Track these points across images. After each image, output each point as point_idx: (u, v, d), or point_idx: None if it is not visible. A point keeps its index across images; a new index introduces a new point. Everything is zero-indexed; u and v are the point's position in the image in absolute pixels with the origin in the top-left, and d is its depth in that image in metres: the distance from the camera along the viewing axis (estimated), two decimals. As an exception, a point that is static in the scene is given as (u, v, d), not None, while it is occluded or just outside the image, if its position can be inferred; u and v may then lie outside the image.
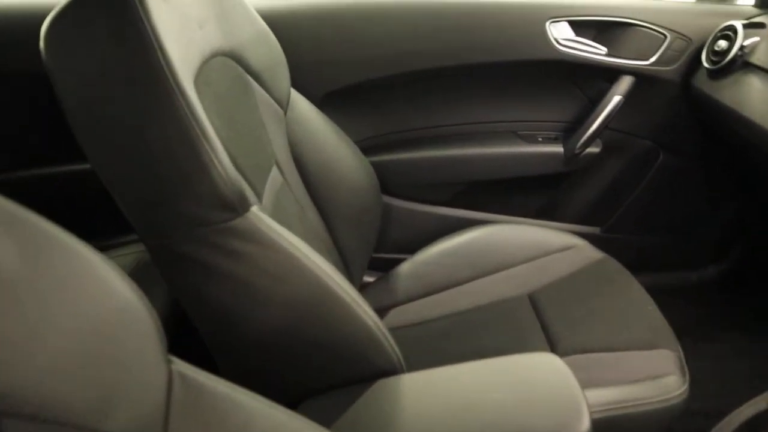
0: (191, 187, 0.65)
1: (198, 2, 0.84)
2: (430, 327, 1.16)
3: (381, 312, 1.20)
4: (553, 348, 1.04)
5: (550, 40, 1.31)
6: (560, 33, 1.32)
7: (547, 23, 1.31)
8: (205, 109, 0.70)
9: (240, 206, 0.68)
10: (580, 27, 1.34)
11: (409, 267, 1.26)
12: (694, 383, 1.00)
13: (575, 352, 1.02)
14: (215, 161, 0.64)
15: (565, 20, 1.33)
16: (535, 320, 1.11)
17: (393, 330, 1.14)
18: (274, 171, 0.98)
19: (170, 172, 0.64)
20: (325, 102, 1.30)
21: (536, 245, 1.26)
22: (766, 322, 1.62)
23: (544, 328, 1.09)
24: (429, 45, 1.32)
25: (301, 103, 1.13)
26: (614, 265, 1.23)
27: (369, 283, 1.29)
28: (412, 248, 1.33)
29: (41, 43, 0.64)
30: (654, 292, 1.20)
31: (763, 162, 1.29)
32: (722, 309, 1.68)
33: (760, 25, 1.26)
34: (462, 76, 1.40)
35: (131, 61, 0.62)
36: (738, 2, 1.46)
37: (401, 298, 1.22)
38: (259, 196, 0.85)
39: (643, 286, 1.17)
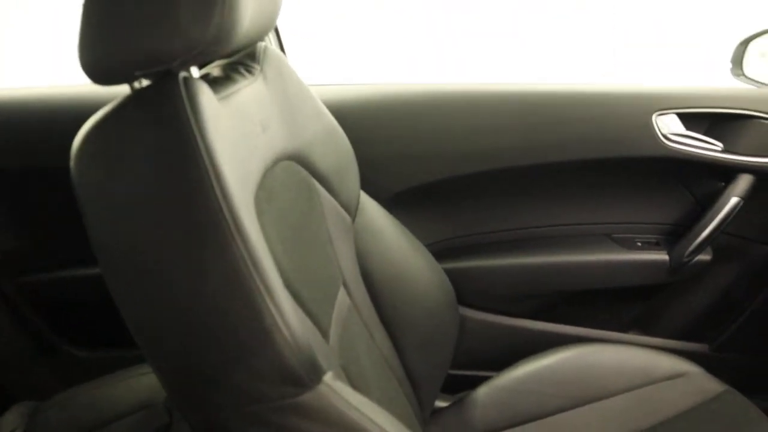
0: (248, 357, 0.49)
1: (262, 100, 0.71)
2: None
3: None
4: None
5: (656, 134, 1.14)
6: (668, 127, 1.16)
7: (654, 116, 1.14)
8: (267, 235, 0.55)
9: (310, 378, 0.52)
10: (691, 120, 1.17)
11: (487, 392, 1.08)
12: None
13: None
14: (281, 324, 0.49)
15: (674, 112, 1.16)
16: None
17: (471, 472, 0.97)
18: (341, 294, 0.82)
19: (220, 337, 0.49)
20: (395, 202, 1.16)
21: (638, 370, 1.07)
22: None
23: None
24: (516, 140, 1.17)
25: (370, 207, 0.99)
26: (740, 401, 1.02)
27: (441, 409, 1.10)
28: (489, 365, 1.17)
29: (71, 162, 0.51)
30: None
31: None
32: None
33: None
34: (550, 173, 1.24)
35: (177, 191, 0.48)
36: None
37: (478, 431, 1.03)
38: (325, 333, 0.70)
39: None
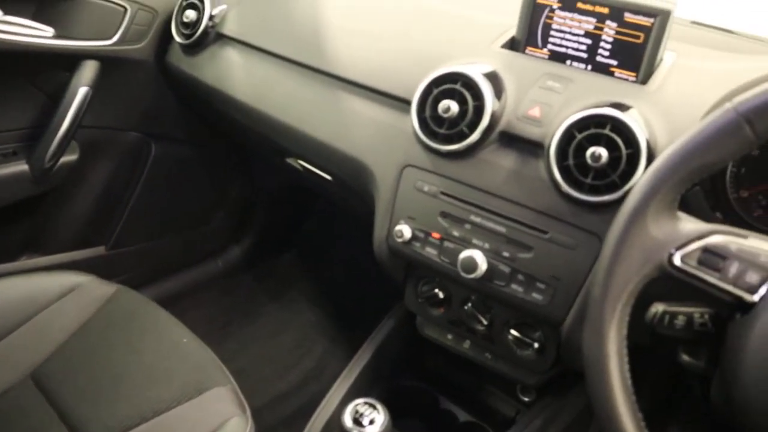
0: None
1: None
2: None
3: None
4: None
5: None
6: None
7: None
8: None
9: None
10: (13, 4, 1.00)
11: None
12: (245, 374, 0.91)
13: None
14: None
15: None
16: (48, 409, 0.84)
17: None
18: None
19: None
20: None
21: (24, 300, 0.95)
22: (291, 289, 1.64)
23: (63, 417, 0.82)
24: None
25: None
26: (131, 296, 1.01)
27: None
28: None
29: None
30: (184, 293, 1.05)
31: (248, 139, 1.21)
32: (255, 286, 1.65)
33: None
34: None
35: None
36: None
37: None
38: None
39: (171, 293, 0.99)
